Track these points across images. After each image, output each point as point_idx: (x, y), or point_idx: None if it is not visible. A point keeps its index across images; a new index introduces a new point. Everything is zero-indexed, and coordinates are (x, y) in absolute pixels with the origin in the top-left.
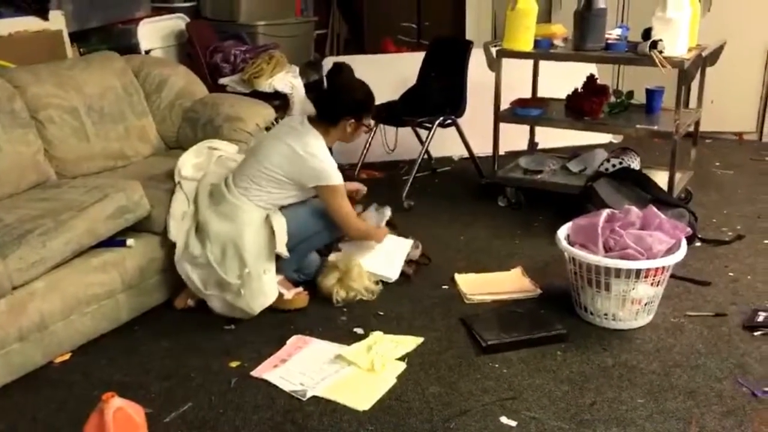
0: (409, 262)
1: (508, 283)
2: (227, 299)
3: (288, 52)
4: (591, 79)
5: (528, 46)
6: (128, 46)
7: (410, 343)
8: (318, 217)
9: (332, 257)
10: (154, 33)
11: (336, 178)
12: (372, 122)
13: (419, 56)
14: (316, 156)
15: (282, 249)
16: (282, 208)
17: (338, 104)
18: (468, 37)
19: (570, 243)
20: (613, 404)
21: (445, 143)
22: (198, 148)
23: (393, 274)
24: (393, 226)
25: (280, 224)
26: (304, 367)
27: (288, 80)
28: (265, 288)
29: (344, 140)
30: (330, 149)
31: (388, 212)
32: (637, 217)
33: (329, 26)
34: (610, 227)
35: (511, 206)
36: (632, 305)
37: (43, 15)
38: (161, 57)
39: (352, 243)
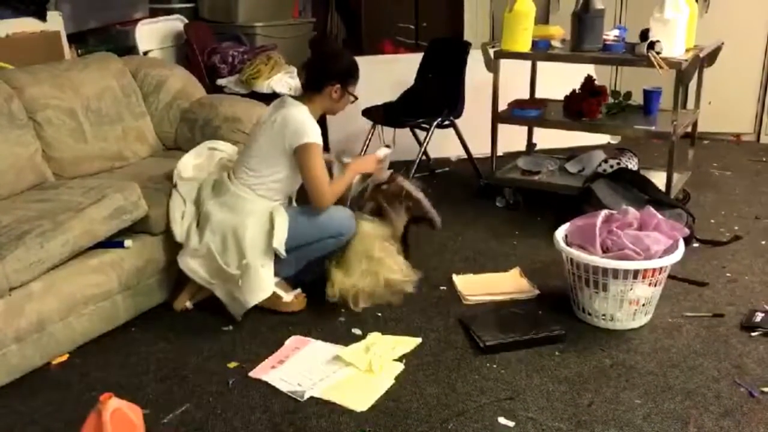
0: (412, 220)
1: (506, 284)
2: (229, 289)
3: (286, 53)
4: (589, 80)
5: (526, 47)
6: (126, 48)
7: (408, 343)
8: (319, 226)
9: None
10: (152, 34)
11: (313, 136)
12: (355, 92)
13: (417, 57)
14: (296, 117)
15: (278, 245)
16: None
17: (323, 70)
18: (466, 38)
19: (568, 244)
20: (611, 405)
21: (443, 144)
22: (198, 149)
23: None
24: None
25: (282, 220)
26: (302, 368)
27: (286, 81)
28: (263, 282)
29: (331, 111)
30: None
31: (347, 159)
32: (635, 217)
33: (327, 27)
34: (608, 228)
35: (509, 207)
36: (630, 306)
37: (41, 16)
38: (159, 58)
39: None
